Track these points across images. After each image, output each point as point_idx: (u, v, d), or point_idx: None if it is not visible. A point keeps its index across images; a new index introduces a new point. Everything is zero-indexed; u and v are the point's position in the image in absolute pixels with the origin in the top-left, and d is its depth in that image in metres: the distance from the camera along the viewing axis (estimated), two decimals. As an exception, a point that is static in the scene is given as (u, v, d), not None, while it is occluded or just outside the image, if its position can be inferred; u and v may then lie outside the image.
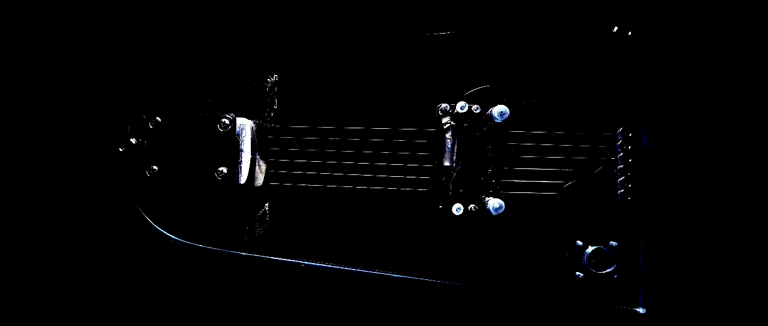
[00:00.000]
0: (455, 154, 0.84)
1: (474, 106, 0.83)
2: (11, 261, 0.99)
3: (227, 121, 0.86)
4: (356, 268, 0.88)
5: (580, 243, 0.86)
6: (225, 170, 0.86)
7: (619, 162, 0.85)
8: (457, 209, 0.83)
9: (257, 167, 0.88)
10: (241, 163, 0.87)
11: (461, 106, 0.83)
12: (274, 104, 0.89)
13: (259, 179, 0.89)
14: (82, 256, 0.99)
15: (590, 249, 0.85)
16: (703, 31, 0.92)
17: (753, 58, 0.91)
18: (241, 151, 0.87)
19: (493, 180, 0.84)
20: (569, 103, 0.87)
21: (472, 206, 0.84)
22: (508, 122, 0.84)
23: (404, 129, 0.88)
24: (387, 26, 0.94)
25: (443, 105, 0.84)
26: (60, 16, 0.97)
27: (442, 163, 0.84)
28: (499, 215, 0.82)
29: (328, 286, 0.96)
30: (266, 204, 0.90)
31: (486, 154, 0.84)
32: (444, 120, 0.84)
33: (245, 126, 0.87)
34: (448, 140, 0.84)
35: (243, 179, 0.87)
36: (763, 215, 0.91)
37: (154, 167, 0.88)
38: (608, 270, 0.85)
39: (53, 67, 0.97)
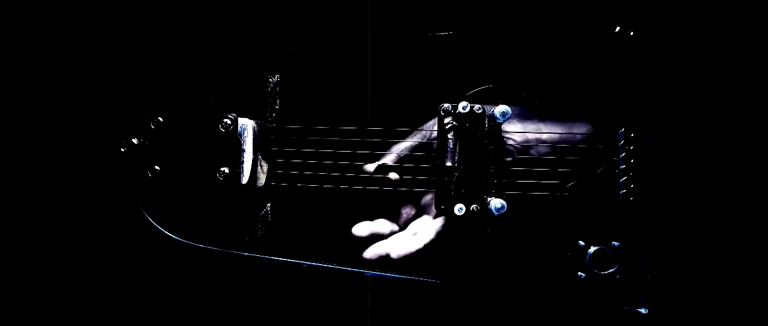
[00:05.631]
0: (457, 154, 0.84)
1: (476, 106, 0.83)
2: (12, 261, 0.99)
3: (229, 121, 0.86)
4: (357, 268, 0.88)
5: (582, 243, 0.86)
6: (227, 170, 0.86)
7: (622, 162, 0.85)
8: (459, 209, 0.83)
9: (259, 167, 0.88)
10: (243, 163, 0.87)
11: (463, 106, 0.83)
12: (276, 104, 0.89)
13: (261, 179, 0.89)
14: (84, 256, 0.99)
15: (592, 249, 0.85)
16: (706, 32, 0.91)
17: (755, 58, 0.91)
18: (243, 151, 0.87)
19: (495, 180, 0.84)
20: (571, 102, 0.87)
21: (474, 206, 0.84)
22: (510, 122, 0.85)
23: (402, 129, 0.88)
24: (389, 27, 0.94)
25: (445, 105, 0.84)
26: (60, 16, 0.97)
27: (444, 163, 0.84)
28: (501, 215, 0.82)
29: (329, 286, 0.96)
30: (268, 205, 0.90)
31: (488, 154, 0.84)
32: (446, 120, 0.84)
33: (247, 126, 0.87)
34: (450, 140, 0.84)
35: (245, 179, 0.87)
36: (766, 215, 0.91)
37: (156, 167, 0.88)
38: (610, 271, 0.85)
39: (54, 67, 0.97)
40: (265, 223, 0.89)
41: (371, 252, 0.88)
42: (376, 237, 0.88)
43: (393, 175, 0.88)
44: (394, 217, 0.90)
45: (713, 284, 0.92)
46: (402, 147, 0.88)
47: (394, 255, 0.86)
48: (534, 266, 0.87)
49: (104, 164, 0.95)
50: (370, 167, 0.88)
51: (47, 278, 0.99)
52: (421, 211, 0.91)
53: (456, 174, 0.84)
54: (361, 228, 0.88)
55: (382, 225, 0.89)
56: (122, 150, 0.88)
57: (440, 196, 0.84)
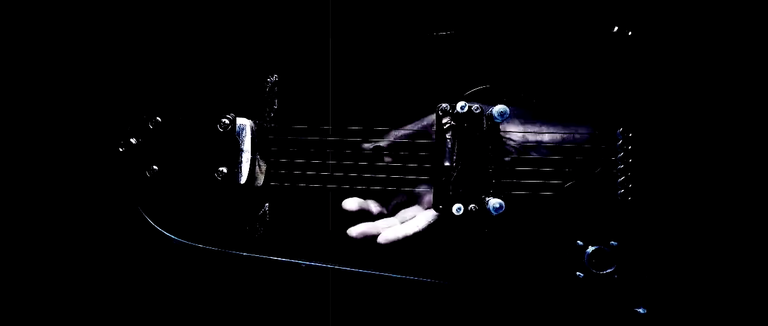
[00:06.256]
0: (455, 154, 0.84)
1: (474, 106, 0.83)
2: (11, 262, 0.99)
3: (227, 121, 0.86)
4: (356, 268, 0.88)
5: (580, 243, 0.86)
6: (225, 170, 0.86)
7: (620, 162, 0.85)
8: (457, 209, 0.83)
9: (257, 167, 0.88)
10: (241, 162, 0.87)
11: (461, 106, 0.83)
12: (274, 104, 0.89)
13: (260, 179, 0.89)
14: (83, 256, 0.99)
15: (590, 249, 0.85)
16: (705, 31, 0.91)
17: (754, 58, 0.91)
18: (242, 150, 0.87)
19: (493, 180, 0.84)
20: (570, 102, 0.87)
21: (472, 206, 0.84)
22: (508, 122, 0.85)
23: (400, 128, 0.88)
24: (387, 26, 0.94)
25: (443, 105, 0.84)
26: (60, 16, 0.97)
27: (442, 163, 0.84)
28: (499, 215, 0.82)
29: (328, 286, 0.96)
30: (266, 204, 0.90)
31: (486, 154, 0.84)
32: (444, 120, 0.84)
33: (245, 126, 0.87)
34: (448, 140, 0.84)
35: (243, 179, 0.87)
36: (765, 215, 0.91)
37: (155, 167, 0.88)
38: (608, 271, 0.85)
39: (53, 67, 0.97)
40: (264, 223, 0.89)
41: (357, 231, 0.86)
42: (364, 215, 0.88)
43: (387, 159, 0.88)
44: (385, 203, 0.91)
45: (712, 284, 0.92)
46: (399, 133, 0.89)
47: (381, 239, 0.86)
48: (532, 266, 0.86)
49: (102, 164, 0.95)
50: (368, 145, 0.88)
51: (45, 278, 0.99)
52: (412, 200, 0.91)
53: (454, 174, 0.84)
54: (351, 203, 0.88)
55: (372, 204, 0.89)
56: (120, 150, 0.88)
57: (438, 196, 0.84)
